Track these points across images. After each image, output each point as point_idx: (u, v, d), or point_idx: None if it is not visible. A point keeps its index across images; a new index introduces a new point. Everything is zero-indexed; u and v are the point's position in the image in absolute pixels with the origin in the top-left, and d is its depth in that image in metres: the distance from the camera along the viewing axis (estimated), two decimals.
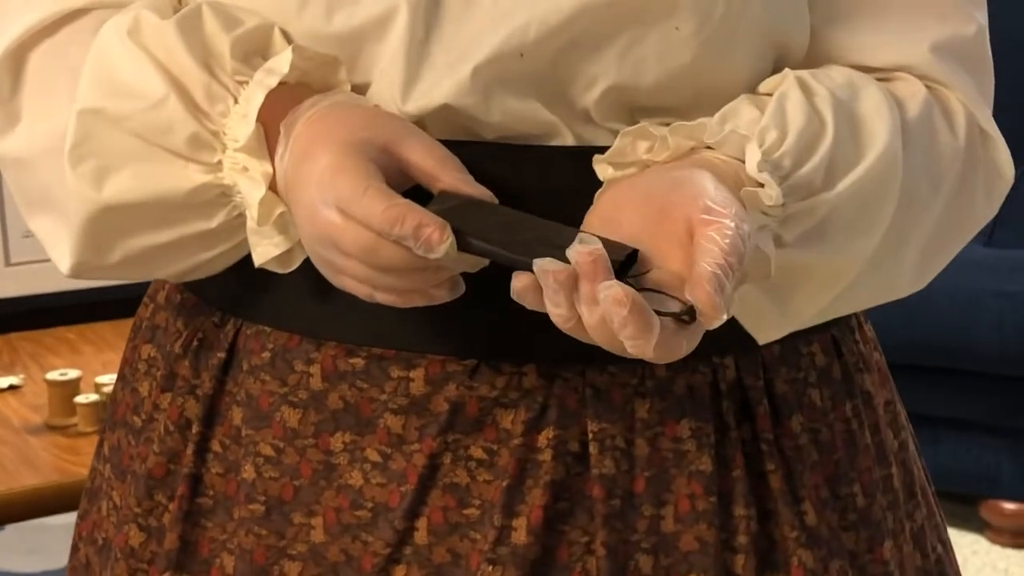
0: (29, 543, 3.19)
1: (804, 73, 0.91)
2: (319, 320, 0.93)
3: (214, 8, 0.91)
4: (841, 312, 0.98)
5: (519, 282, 0.80)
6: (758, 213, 0.84)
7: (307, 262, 0.89)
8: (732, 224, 0.80)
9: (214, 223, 0.90)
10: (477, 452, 0.93)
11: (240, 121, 0.89)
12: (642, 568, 0.92)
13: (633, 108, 0.90)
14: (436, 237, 0.80)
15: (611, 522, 0.92)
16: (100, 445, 1.09)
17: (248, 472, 0.96)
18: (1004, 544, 3.01)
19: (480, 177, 0.87)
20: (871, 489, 1.01)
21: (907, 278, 0.97)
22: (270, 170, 0.88)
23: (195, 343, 1.00)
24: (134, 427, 1.03)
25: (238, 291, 0.96)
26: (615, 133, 0.89)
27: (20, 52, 0.96)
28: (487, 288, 0.87)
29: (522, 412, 0.92)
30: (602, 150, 0.89)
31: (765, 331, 0.94)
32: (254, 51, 0.90)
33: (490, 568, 0.91)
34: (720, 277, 0.78)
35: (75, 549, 1.09)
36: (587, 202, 0.88)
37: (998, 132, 0.98)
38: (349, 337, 0.92)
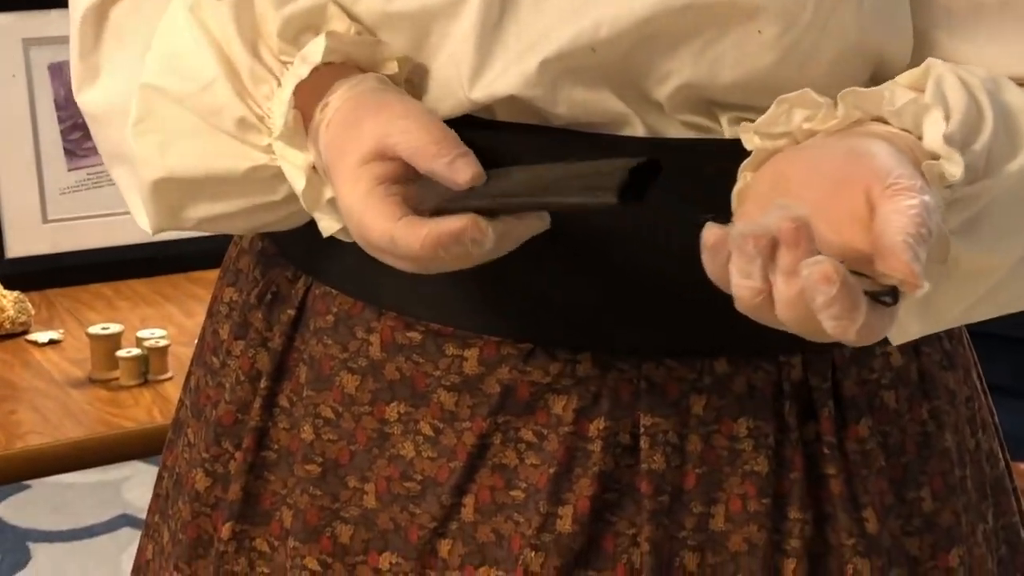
0: (54, 501, 3.22)
1: (949, 64, 0.87)
2: (381, 290, 0.94)
3: None
4: (980, 316, 0.92)
5: (712, 236, 0.76)
6: (936, 191, 0.79)
7: None
8: (920, 196, 0.75)
9: (279, 196, 0.91)
10: (527, 435, 0.93)
11: (279, 108, 0.89)
12: (687, 565, 0.92)
13: (709, 103, 0.88)
14: (478, 234, 0.81)
15: (657, 517, 0.91)
16: (188, 378, 1.10)
17: (307, 432, 0.97)
18: None
19: (546, 162, 0.86)
20: (944, 493, 0.98)
21: None
22: (310, 159, 0.88)
23: (268, 296, 1.01)
24: (212, 368, 1.05)
25: (310, 249, 0.97)
26: (687, 125, 0.88)
27: (103, 7, 0.97)
28: (546, 272, 0.87)
29: (574, 399, 0.92)
30: (673, 141, 0.88)
31: (904, 330, 0.88)
32: (307, 27, 0.90)
33: (533, 554, 0.91)
34: (914, 246, 0.73)
35: (160, 477, 1.12)
36: (657, 192, 0.83)
37: None
38: (408, 310, 0.93)
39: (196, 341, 1.11)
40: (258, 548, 1.00)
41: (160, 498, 1.10)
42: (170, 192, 0.93)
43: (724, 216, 0.79)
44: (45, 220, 1.98)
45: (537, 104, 0.87)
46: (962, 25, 0.90)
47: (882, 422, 0.96)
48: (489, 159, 0.85)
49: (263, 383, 0.99)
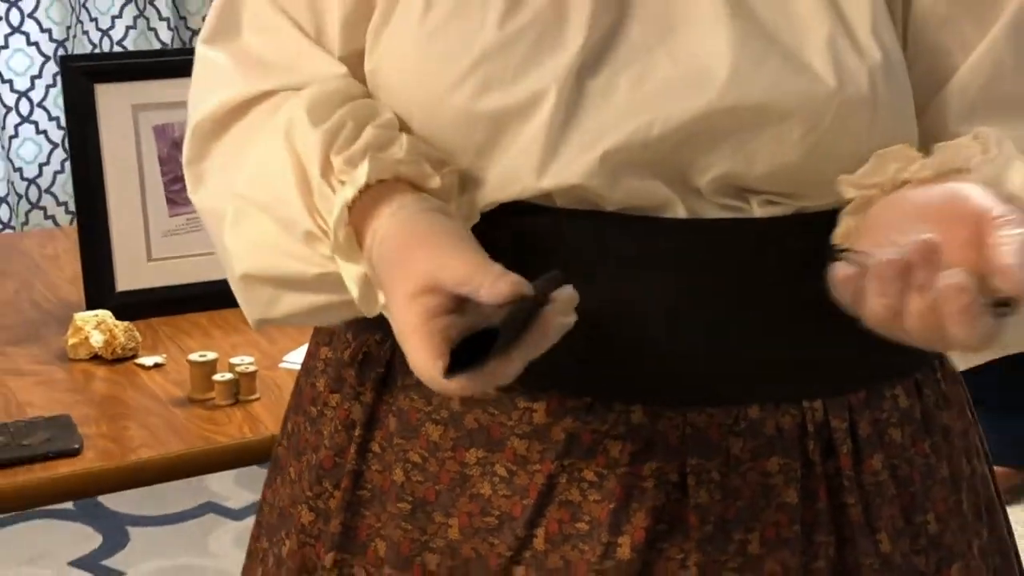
0: (149, 490, 3.12)
1: (992, 130, 0.95)
2: None
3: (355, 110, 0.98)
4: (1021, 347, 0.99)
5: (843, 272, 0.84)
6: None
7: None
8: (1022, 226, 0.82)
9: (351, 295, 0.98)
10: (589, 475, 0.99)
11: (333, 225, 0.95)
12: None
13: (742, 189, 0.96)
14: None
15: (703, 546, 0.99)
16: (285, 422, 1.18)
17: (398, 475, 1.05)
18: None
19: (601, 243, 0.96)
20: (945, 515, 1.05)
21: None
22: (362, 271, 0.95)
23: (361, 356, 1.08)
24: (310, 416, 1.12)
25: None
26: (723, 207, 0.96)
27: (214, 127, 1.04)
28: (603, 340, 0.96)
29: (629, 445, 0.99)
30: (712, 222, 0.95)
31: (968, 356, 1.01)
32: (370, 151, 0.96)
33: None
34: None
35: (261, 508, 1.20)
36: (696, 267, 0.94)
37: None
38: None
39: (295, 388, 1.17)
40: (356, 575, 1.08)
41: (263, 526, 1.18)
42: (256, 287, 1.00)
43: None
44: (150, 259, 2.06)
45: (597, 191, 0.94)
46: (978, 117, 0.98)
47: (891, 456, 1.03)
48: (541, 245, 0.95)
49: (357, 432, 1.07)
